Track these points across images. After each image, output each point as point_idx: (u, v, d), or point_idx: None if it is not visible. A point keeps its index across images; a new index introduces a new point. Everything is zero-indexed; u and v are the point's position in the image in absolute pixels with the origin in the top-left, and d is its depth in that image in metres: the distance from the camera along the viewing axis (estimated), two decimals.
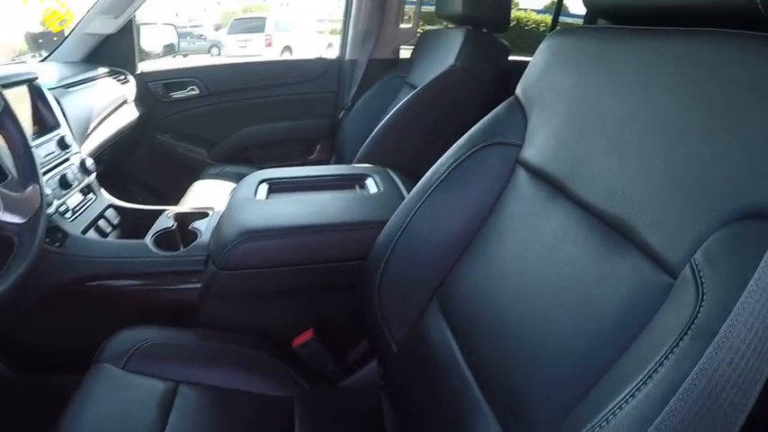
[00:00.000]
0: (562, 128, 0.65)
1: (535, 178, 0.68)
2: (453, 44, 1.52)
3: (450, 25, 1.77)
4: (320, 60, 2.08)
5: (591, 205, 0.56)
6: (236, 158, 2.02)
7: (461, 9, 1.50)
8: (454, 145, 0.78)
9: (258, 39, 9.81)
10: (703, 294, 0.38)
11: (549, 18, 7.93)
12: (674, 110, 0.50)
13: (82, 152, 1.21)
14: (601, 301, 0.50)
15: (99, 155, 1.41)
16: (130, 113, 1.71)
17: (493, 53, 1.54)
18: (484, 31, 1.57)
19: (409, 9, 2.13)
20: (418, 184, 0.79)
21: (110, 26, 1.66)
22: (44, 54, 1.67)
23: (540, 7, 8.16)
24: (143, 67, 1.88)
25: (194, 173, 1.81)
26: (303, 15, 10.91)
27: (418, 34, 2.01)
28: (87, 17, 1.62)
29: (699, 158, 0.45)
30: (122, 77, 1.73)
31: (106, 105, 1.50)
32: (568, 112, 0.65)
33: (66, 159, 1.12)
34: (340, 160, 1.99)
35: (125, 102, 1.67)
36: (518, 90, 0.78)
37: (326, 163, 2.12)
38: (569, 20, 3.73)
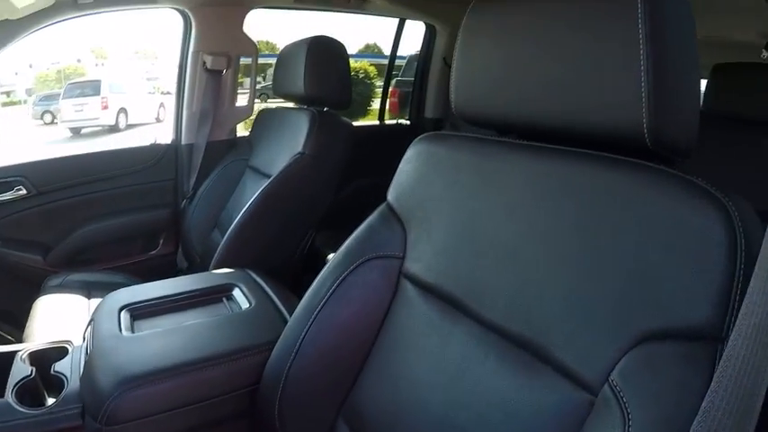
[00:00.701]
0: (451, 244, 0.65)
1: (427, 294, 0.68)
2: (298, 128, 1.47)
3: (289, 104, 1.71)
4: (155, 147, 1.90)
5: (496, 325, 0.57)
6: (78, 262, 1.76)
7: (303, 90, 1.45)
8: (333, 260, 0.77)
9: (94, 102, 9.57)
10: (629, 415, 0.40)
11: (366, 64, 8.52)
12: (567, 231, 0.52)
13: None
14: (524, 421, 0.50)
15: None
16: None
17: (340, 135, 1.51)
18: (326, 110, 1.52)
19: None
20: (302, 302, 0.78)
21: None
22: None
23: (354, 51, 8.58)
24: None
25: (33, 284, 1.55)
26: (133, 76, 10.63)
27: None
28: None
29: (597, 281, 0.48)
30: None
31: None
32: (455, 227, 0.65)
33: None
34: (187, 252, 1.83)
35: None
36: (390, 198, 0.78)
37: (173, 256, 1.93)
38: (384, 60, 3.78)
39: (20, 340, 1.32)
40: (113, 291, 1.41)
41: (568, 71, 0.55)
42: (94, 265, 1.75)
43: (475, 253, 0.62)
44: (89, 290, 1.49)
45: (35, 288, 1.51)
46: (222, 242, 1.43)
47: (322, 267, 1.78)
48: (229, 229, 1.43)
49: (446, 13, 2.20)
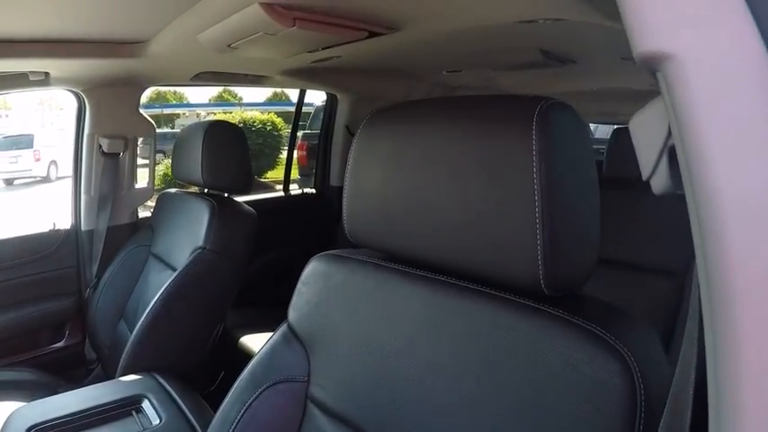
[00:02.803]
0: (352, 373, 0.65)
1: (334, 421, 0.67)
2: (198, 219, 1.46)
3: (190, 188, 1.71)
4: (54, 233, 1.83)
5: None
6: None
7: (201, 177, 1.45)
8: (237, 385, 0.76)
9: (27, 154, 10.24)
10: None
11: (273, 116, 8.54)
12: (470, 374, 0.53)
13: None
14: None
15: None
16: None
17: (242, 226, 1.51)
18: (226, 195, 1.54)
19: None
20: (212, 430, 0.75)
21: None
22: None
23: (262, 100, 8.61)
24: None
25: None
26: (62, 132, 10.85)
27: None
28: None
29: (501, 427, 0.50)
30: None
31: None
32: (356, 357, 0.65)
33: None
34: (95, 343, 1.75)
35: None
36: (291, 319, 0.76)
37: (80, 348, 1.84)
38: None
39: None
40: (20, 391, 1.34)
41: (466, 208, 0.54)
42: None
43: (376, 384, 0.61)
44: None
45: None
46: (129, 343, 1.38)
47: (235, 354, 1.74)
48: (135, 330, 1.38)
49: (346, 82, 2.20)
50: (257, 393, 0.73)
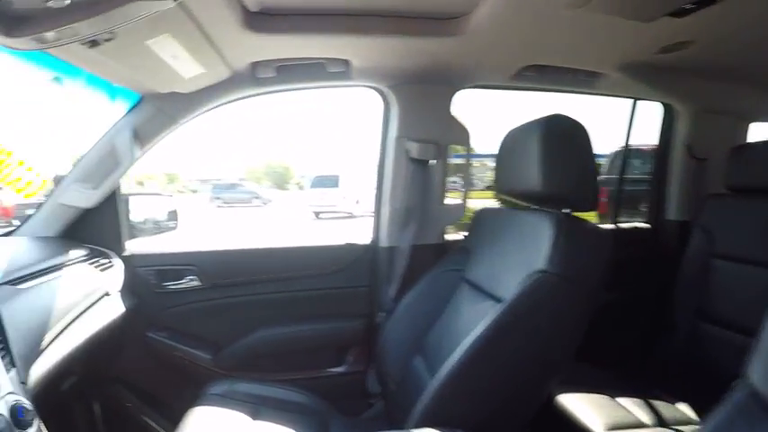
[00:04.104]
0: None
1: None
2: (536, 237, 1.06)
3: (519, 203, 1.33)
4: (350, 247, 1.66)
5: None
6: (248, 367, 1.57)
7: (539, 187, 1.06)
8: None
9: (334, 192, 12.11)
10: None
11: None
12: None
13: (17, 393, 0.85)
14: None
15: (66, 368, 1.09)
16: (113, 309, 1.36)
17: (595, 247, 1.05)
18: (566, 211, 1.11)
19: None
20: None
21: (87, 199, 1.42)
22: None
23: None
24: (132, 247, 1.56)
25: (196, 383, 1.39)
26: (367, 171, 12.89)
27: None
28: (63, 186, 1.40)
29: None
30: (105, 262, 1.42)
31: (75, 302, 1.18)
32: None
33: None
34: (381, 374, 1.47)
35: (106, 295, 1.34)
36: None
37: (362, 377, 1.62)
38: None
39: None
40: (287, 413, 1.24)
41: None
42: (268, 373, 1.54)
43: None
44: (256, 406, 1.26)
45: (198, 387, 1.35)
46: (431, 387, 1.04)
47: (548, 413, 1.37)
48: (442, 371, 1.03)
49: (690, 87, 1.72)
50: None
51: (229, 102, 1.49)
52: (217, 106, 1.48)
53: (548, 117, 1.13)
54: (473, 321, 1.06)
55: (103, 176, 1.41)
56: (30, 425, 0.84)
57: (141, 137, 1.42)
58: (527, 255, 1.07)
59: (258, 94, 1.50)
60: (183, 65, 1.18)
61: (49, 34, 0.77)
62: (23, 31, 0.75)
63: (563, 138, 1.09)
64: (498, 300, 1.09)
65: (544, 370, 1.09)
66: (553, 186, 1.06)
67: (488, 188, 5.17)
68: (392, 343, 1.42)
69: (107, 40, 0.92)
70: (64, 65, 1.11)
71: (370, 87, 1.59)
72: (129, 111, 1.42)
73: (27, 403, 0.86)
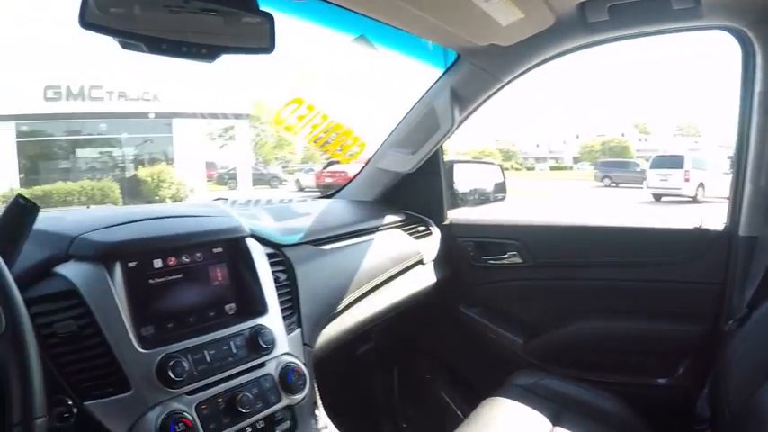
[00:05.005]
0: None
1: None
2: None
3: None
4: (699, 233, 1.34)
5: None
6: (559, 360, 1.43)
7: None
8: None
9: (677, 174, 10.99)
10: None
11: None
12: None
13: (294, 353, 0.90)
14: None
15: (363, 334, 1.17)
16: (425, 278, 1.39)
17: None
18: None
19: None
20: None
21: (405, 164, 1.41)
22: None
23: None
24: (455, 216, 1.56)
25: (501, 368, 1.36)
26: (717, 153, 11.47)
27: None
28: (381, 151, 1.44)
29: None
30: (422, 229, 1.46)
31: (384, 268, 1.23)
32: None
33: (259, 366, 0.83)
34: (717, 398, 1.15)
35: (419, 263, 1.37)
36: None
37: (691, 395, 1.28)
38: None
39: None
40: (590, 419, 1.08)
41: None
42: (584, 371, 1.36)
43: None
44: (560, 408, 1.12)
45: (501, 372, 1.28)
46: None
47: None
48: None
49: None
50: None
51: (556, 55, 1.32)
52: (542, 62, 1.33)
53: None
54: None
55: (422, 141, 1.37)
56: (299, 390, 0.85)
57: (461, 98, 1.34)
58: None
59: (587, 45, 1.30)
60: (499, 10, 1.05)
61: None
62: None
63: None
64: None
65: None
66: None
67: None
68: (739, 361, 1.08)
69: None
70: (372, 25, 1.08)
71: (725, 28, 1.21)
72: (447, 70, 1.35)
73: (302, 367, 0.86)
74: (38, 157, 12.23)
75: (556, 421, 1.08)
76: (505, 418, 1.08)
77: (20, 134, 11.55)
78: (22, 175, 11.19)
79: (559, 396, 1.17)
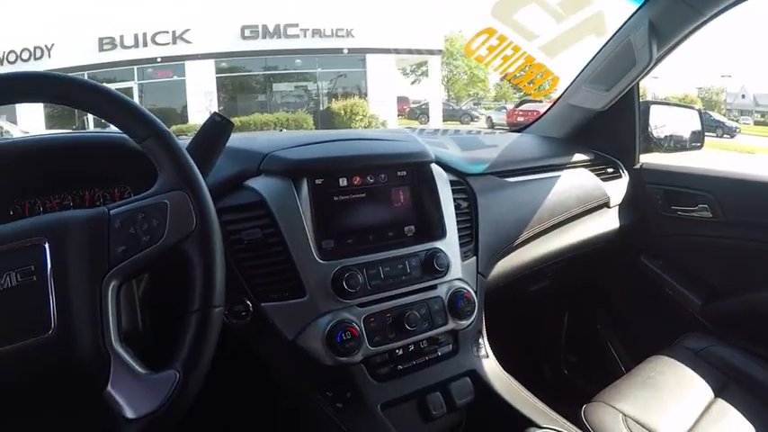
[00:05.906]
0: None
1: None
2: None
3: None
4: None
5: None
6: (738, 332, 1.28)
7: None
8: None
9: None
10: None
11: None
12: None
13: (466, 280, 0.90)
14: None
15: (537, 271, 1.17)
16: (609, 222, 1.34)
17: None
18: None
19: None
20: None
21: (597, 101, 1.32)
22: None
23: None
24: (647, 160, 1.45)
25: (676, 324, 1.29)
26: None
27: None
28: (573, 86, 1.37)
29: None
30: (611, 171, 1.39)
31: (567, 207, 1.20)
32: None
33: (430, 288, 0.85)
34: None
35: (604, 206, 1.32)
36: None
37: None
38: None
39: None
40: (755, 397, 1.00)
41: None
42: (762, 346, 1.19)
43: None
44: (727, 380, 1.04)
45: (672, 332, 1.21)
46: None
47: None
48: None
49: None
50: None
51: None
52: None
53: None
54: None
55: (617, 77, 1.27)
56: (466, 316, 0.85)
57: (659, 33, 1.20)
58: None
59: None
60: None
61: None
62: None
63: None
64: None
65: None
66: None
67: None
68: None
69: None
70: None
71: None
72: (645, 2, 1.22)
73: (472, 294, 0.86)
74: (236, 90, 13.52)
75: (719, 392, 1.00)
76: (667, 380, 1.04)
77: (219, 70, 12.72)
78: (221, 108, 12.21)
79: (730, 367, 1.07)
